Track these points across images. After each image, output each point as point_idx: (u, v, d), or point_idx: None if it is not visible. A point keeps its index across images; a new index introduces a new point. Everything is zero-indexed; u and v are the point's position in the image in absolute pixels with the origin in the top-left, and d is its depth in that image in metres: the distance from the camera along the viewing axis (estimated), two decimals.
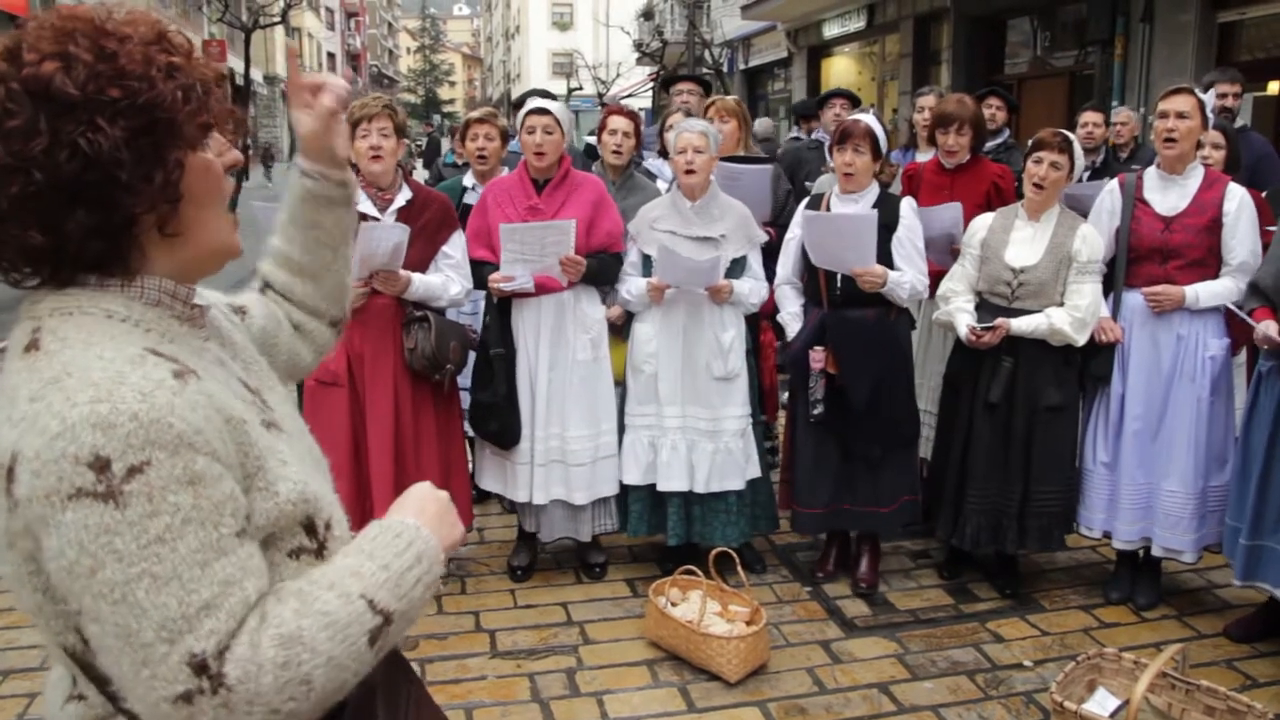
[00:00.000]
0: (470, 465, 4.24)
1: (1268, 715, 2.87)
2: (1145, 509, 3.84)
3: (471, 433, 4.56)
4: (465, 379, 4.36)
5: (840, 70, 18.16)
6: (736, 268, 3.99)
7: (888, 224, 3.80)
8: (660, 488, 4.00)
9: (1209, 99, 3.73)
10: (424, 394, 3.86)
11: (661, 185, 4.99)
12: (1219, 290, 3.69)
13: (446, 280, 3.85)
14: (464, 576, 4.17)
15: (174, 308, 1.17)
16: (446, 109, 61.06)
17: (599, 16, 37.80)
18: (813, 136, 6.98)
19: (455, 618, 3.81)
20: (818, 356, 3.85)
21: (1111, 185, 3.96)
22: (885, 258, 3.79)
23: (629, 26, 30.99)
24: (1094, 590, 4.08)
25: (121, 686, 1.05)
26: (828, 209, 3.95)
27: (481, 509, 4.57)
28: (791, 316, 4.02)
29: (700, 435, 3.98)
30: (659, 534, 4.15)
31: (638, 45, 28.21)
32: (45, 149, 1.03)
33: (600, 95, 32.93)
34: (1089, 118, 6.46)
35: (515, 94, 50.64)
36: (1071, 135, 3.85)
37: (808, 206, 4.02)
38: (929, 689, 3.36)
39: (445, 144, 8.87)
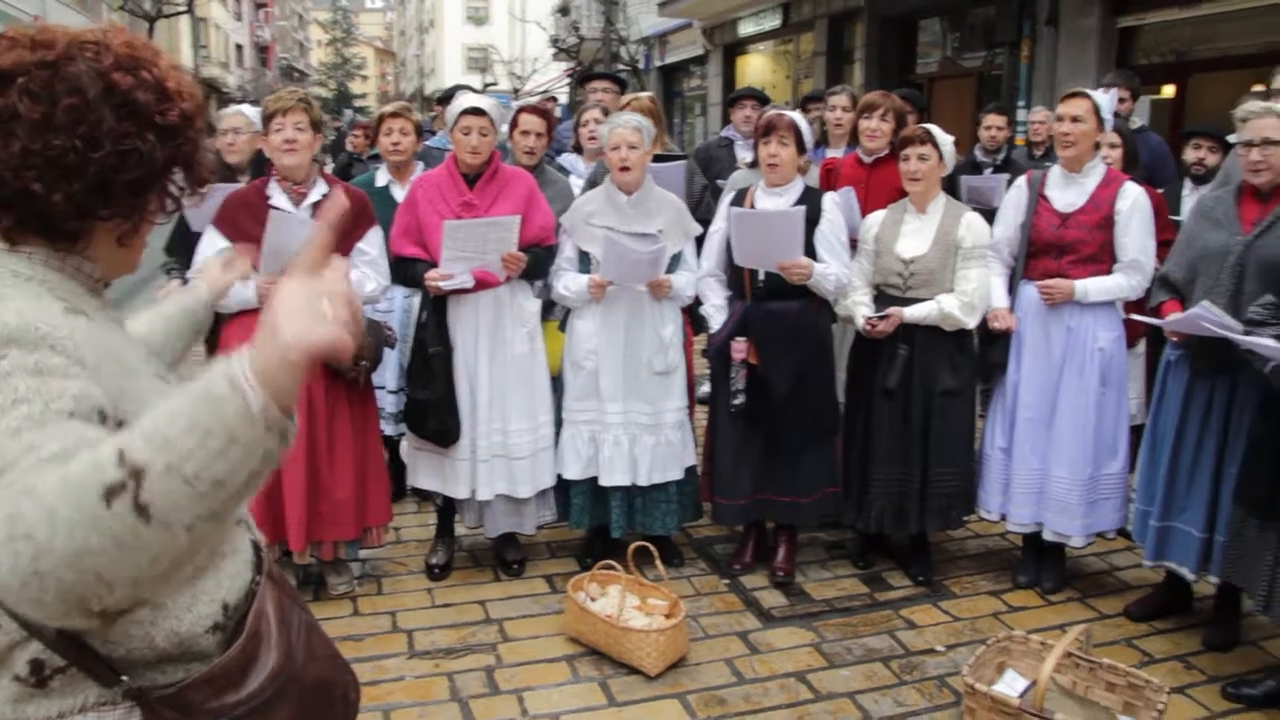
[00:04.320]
0: (388, 463, 4.19)
1: (1164, 689, 3.00)
2: (1037, 494, 3.98)
3: (389, 431, 4.51)
4: (380, 378, 4.31)
5: (755, 68, 18.33)
6: (673, 262, 4.02)
7: (811, 217, 3.87)
8: (603, 483, 4.02)
9: (1110, 101, 3.86)
10: (338, 392, 3.79)
11: (575, 181, 5.00)
12: (1109, 285, 3.82)
13: (362, 277, 3.79)
14: (380, 576, 4.12)
15: (86, 284, 1.31)
16: (359, 103, 60.00)
17: (515, 11, 37.56)
18: (722, 135, 7.04)
19: (371, 618, 3.76)
20: (740, 347, 3.90)
21: (1021, 181, 4.09)
22: (809, 251, 3.85)
23: (545, 22, 30.86)
24: (1002, 575, 4.20)
25: None
26: (752, 203, 3.99)
27: (397, 508, 4.51)
28: (715, 309, 4.05)
29: (642, 429, 4.00)
30: (601, 525, 4.15)
31: (554, 41, 28.13)
32: (102, 130, 1.19)
33: (516, 91, 32.75)
34: (992, 120, 6.65)
35: (429, 89, 49.85)
36: (932, 127, 3.98)
37: (733, 203, 4.06)
38: (845, 676, 3.42)
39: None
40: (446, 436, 3.92)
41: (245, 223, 3.63)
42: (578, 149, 5.62)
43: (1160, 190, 4.55)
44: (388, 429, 4.54)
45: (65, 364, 1.11)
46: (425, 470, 4.07)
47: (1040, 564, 4.14)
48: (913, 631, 3.75)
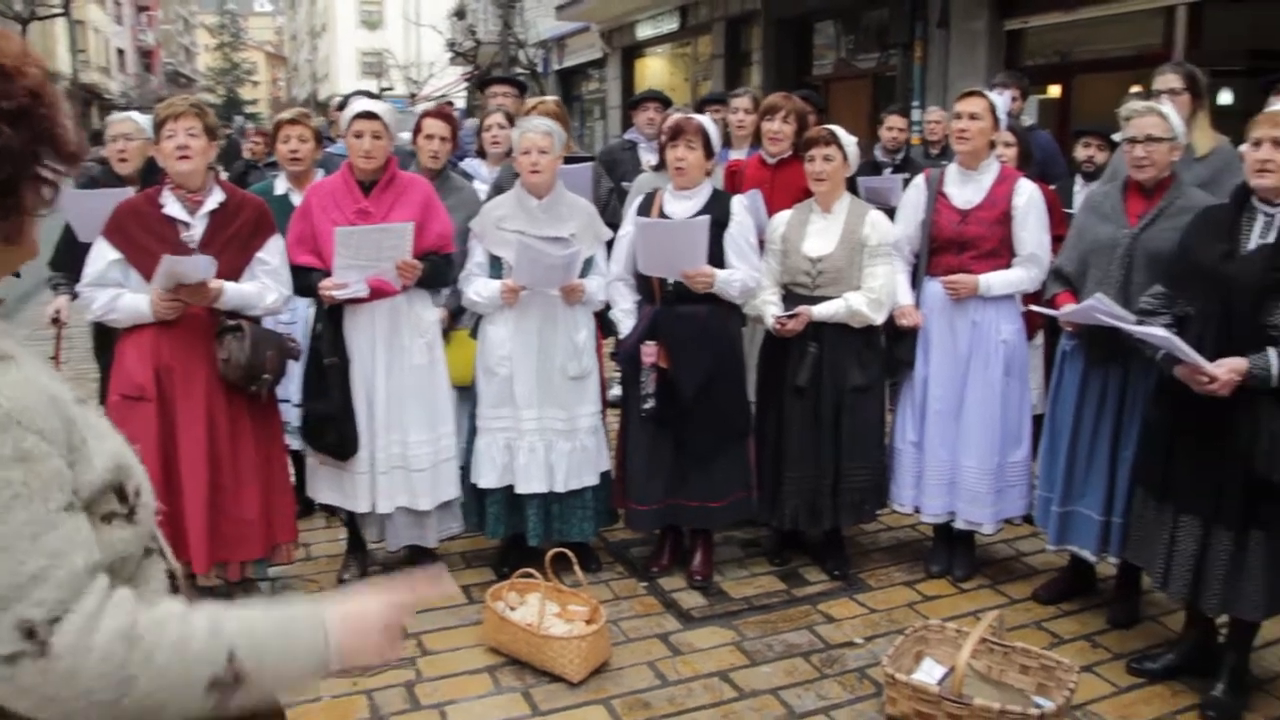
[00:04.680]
0: (293, 479, 4.08)
1: (1074, 668, 3.10)
2: (949, 485, 4.07)
3: (294, 445, 4.39)
4: (285, 391, 4.19)
5: (654, 71, 18.43)
6: (585, 266, 3.99)
7: (720, 221, 3.88)
8: (520, 490, 3.97)
9: (1004, 100, 3.97)
10: (240, 407, 3.67)
11: (479, 186, 4.95)
12: (1010, 278, 3.93)
13: (262, 288, 3.68)
14: (292, 595, 4.01)
15: None
16: (249, 109, 58.52)
17: (410, 15, 37.05)
18: (626, 137, 7.05)
19: None
20: (650, 351, 3.89)
21: (919, 180, 4.18)
22: (719, 255, 3.86)
23: (441, 26, 30.52)
24: (915, 566, 4.28)
25: None
26: (660, 207, 3.99)
27: (306, 523, 4.40)
28: (624, 314, 4.04)
29: (557, 435, 3.97)
30: (518, 533, 4.10)
31: (451, 45, 27.83)
32: None
33: (412, 96, 32.32)
34: (894, 122, 6.80)
35: (323, 94, 48.89)
36: (836, 129, 4.05)
37: (641, 207, 4.05)
38: (767, 673, 3.45)
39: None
40: (344, 449, 3.84)
41: (137, 233, 3.50)
42: (481, 154, 5.56)
43: (1052, 187, 4.69)
44: (293, 443, 4.42)
45: (36, 441, 1.09)
46: (325, 484, 3.98)
47: (951, 553, 4.24)
48: (831, 625, 3.79)
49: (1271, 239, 2.97)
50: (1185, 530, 3.14)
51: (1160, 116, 3.46)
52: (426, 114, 4.88)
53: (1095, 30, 9.28)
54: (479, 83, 7.12)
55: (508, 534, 4.11)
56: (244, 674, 1.14)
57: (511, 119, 5.39)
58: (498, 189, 4.61)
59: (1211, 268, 3.03)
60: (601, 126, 20.09)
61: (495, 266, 3.99)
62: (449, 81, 30.64)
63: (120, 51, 46.78)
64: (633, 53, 18.77)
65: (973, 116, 3.90)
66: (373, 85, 33.22)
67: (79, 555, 1.09)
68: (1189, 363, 2.96)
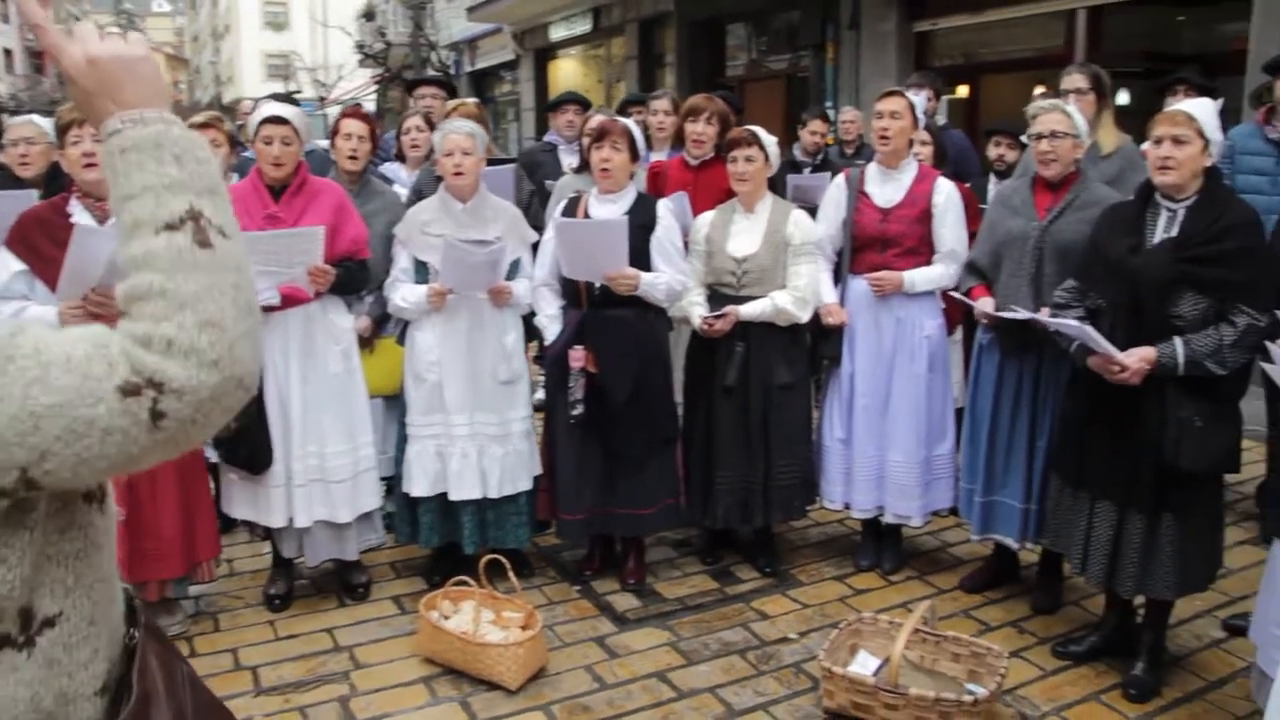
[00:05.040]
0: (214, 494, 3.97)
1: (1004, 654, 3.18)
2: (877, 480, 4.14)
3: (213, 459, 4.27)
4: None
5: (567, 72, 18.39)
6: (512, 269, 3.96)
7: (646, 224, 3.88)
8: (453, 497, 3.91)
9: (921, 100, 4.05)
10: None
11: (400, 190, 4.88)
12: (932, 275, 4.02)
13: None
14: (216, 613, 3.90)
15: None
16: None
17: (316, 16, 36.36)
18: (545, 140, 7.02)
19: (211, 658, 3.55)
20: (577, 356, 3.87)
21: (839, 179, 4.24)
22: (645, 257, 3.87)
23: (350, 27, 30.01)
24: (845, 560, 4.34)
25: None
26: (586, 210, 3.98)
27: (228, 539, 4.28)
28: (549, 319, 4.01)
29: (490, 440, 3.92)
30: (449, 541, 4.05)
31: (360, 47, 27.39)
32: None
33: (321, 99, 31.73)
34: (815, 126, 6.90)
35: (227, 97, 47.68)
36: (757, 129, 4.09)
37: (565, 211, 4.04)
38: (705, 672, 3.46)
39: None
40: (258, 463, 3.74)
41: (41, 243, 3.36)
42: (400, 158, 5.49)
43: (967, 184, 4.81)
44: (213, 456, 4.30)
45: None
46: (241, 499, 3.87)
47: (879, 546, 4.31)
48: (765, 622, 3.83)
49: (1174, 233, 3.08)
50: (1101, 516, 3.24)
51: (1064, 114, 3.58)
52: (344, 114, 4.81)
53: (1000, 32, 9.54)
54: (407, 86, 7.00)
55: (442, 543, 4.05)
56: (184, 211, 1.09)
57: (430, 122, 5.34)
58: (418, 193, 4.56)
59: (1119, 262, 3.14)
60: (515, 129, 19.98)
61: (421, 272, 3.94)
62: (359, 84, 30.14)
63: (7, 52, 44.97)
64: (546, 54, 18.71)
65: (893, 115, 3.97)
66: (279, 88, 32.57)
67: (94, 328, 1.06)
68: (1102, 353, 3.05)
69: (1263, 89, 5.04)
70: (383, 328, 4.41)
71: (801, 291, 4.00)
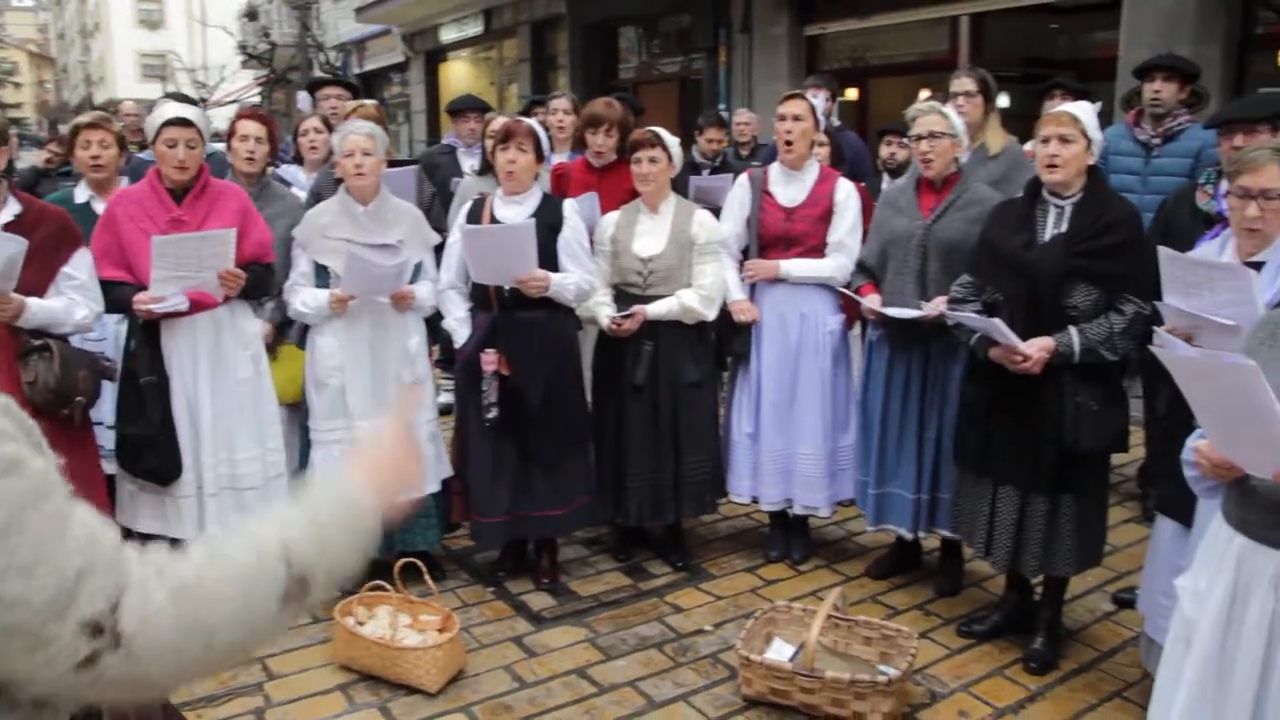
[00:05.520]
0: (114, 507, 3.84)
1: (913, 636, 3.30)
2: (785, 473, 4.24)
3: (110, 470, 4.13)
4: (98, 413, 3.94)
5: (459, 75, 18.23)
6: (414, 272, 3.93)
7: (553, 225, 3.90)
8: None
9: (821, 103, 4.16)
10: (52, 432, 3.37)
11: (298, 193, 4.80)
12: (814, 265, 4.11)
13: (70, 304, 3.45)
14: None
15: None
16: (12, 113, 54.12)
17: (194, 15, 35.22)
18: (444, 142, 6.98)
19: None
20: (490, 359, 3.86)
21: (743, 179, 4.32)
22: (552, 258, 3.88)
23: (231, 27, 29.16)
24: (755, 552, 4.43)
25: (18, 680, 1.00)
26: (491, 212, 3.97)
27: None
28: (458, 323, 3.99)
29: None
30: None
31: (243, 47, 26.64)
32: None
33: (203, 100, 30.74)
34: (712, 134, 6.98)
35: (99, 98, 45.75)
36: (660, 131, 4.15)
37: (470, 214, 4.02)
38: (623, 666, 3.50)
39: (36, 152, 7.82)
40: (167, 473, 3.64)
41: None
42: (298, 160, 5.39)
43: (863, 184, 4.95)
44: (109, 468, 4.16)
45: (15, 447, 1.03)
46: (145, 511, 3.74)
47: (788, 538, 4.41)
48: (680, 615, 3.88)
49: (1064, 229, 3.25)
50: (1005, 501, 3.39)
51: (941, 115, 3.74)
52: (240, 115, 4.70)
53: (888, 37, 9.84)
54: (309, 86, 6.86)
55: None
56: (307, 574, 1.12)
57: (329, 123, 5.26)
58: (317, 195, 4.49)
59: (1015, 257, 3.29)
60: (406, 131, 19.70)
61: (321, 275, 3.88)
62: (242, 85, 29.31)
63: None
64: (436, 56, 18.51)
65: (796, 118, 4.07)
66: (156, 90, 31.44)
67: (106, 534, 1.04)
68: (1006, 345, 3.19)
69: (1132, 93, 5.31)
70: (284, 333, 4.32)
71: (707, 290, 4.07)
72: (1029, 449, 3.27)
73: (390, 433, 1.30)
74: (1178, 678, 2.22)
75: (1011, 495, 3.37)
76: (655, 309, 4.02)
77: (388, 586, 3.48)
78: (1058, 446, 3.21)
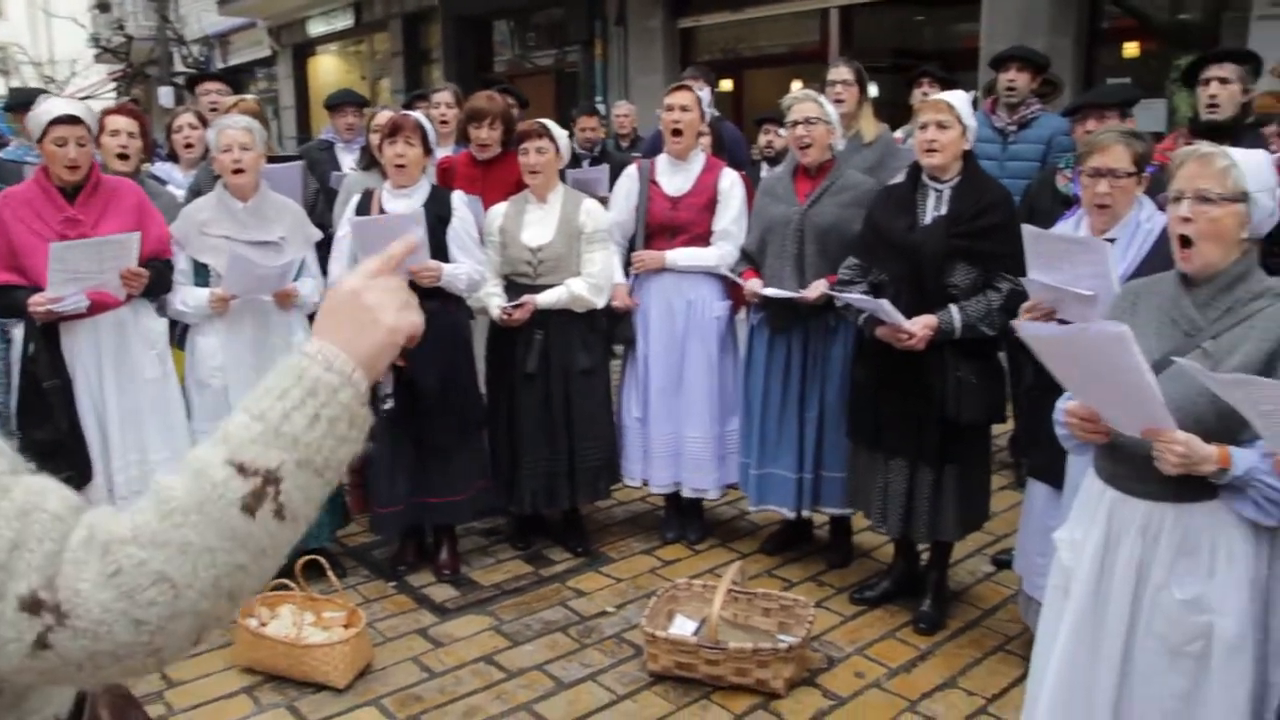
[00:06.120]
0: None
1: (809, 605, 3.44)
2: (674, 456, 4.34)
3: None
4: None
5: (329, 69, 17.82)
6: (297, 268, 3.87)
7: (442, 216, 3.90)
8: None
9: (706, 94, 4.27)
10: None
11: (174, 191, 4.68)
12: (700, 254, 4.22)
13: None
14: None
15: None
16: None
17: (38, 4, 33.43)
18: (321, 138, 6.86)
19: None
20: None
21: (630, 170, 4.40)
22: (443, 249, 3.89)
23: (82, 18, 27.80)
24: (652, 535, 4.53)
25: None
26: (380, 206, 3.96)
27: None
28: None
29: None
30: None
31: (95, 40, 25.44)
32: None
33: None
34: (585, 123, 7.05)
35: None
36: (548, 122, 4.22)
37: (358, 208, 4.00)
38: (530, 651, 3.55)
39: None
40: (76, 477, 3.53)
41: None
42: (172, 157, 5.25)
43: (742, 172, 5.09)
44: None
45: None
46: None
47: (683, 519, 4.52)
48: (583, 599, 3.95)
49: (944, 211, 3.42)
50: (895, 473, 3.56)
51: (816, 103, 3.89)
52: (110, 111, 4.57)
53: (760, 29, 10.07)
54: (189, 81, 6.65)
55: None
56: (272, 468, 0.95)
57: (203, 119, 5.13)
58: (195, 192, 4.39)
59: (898, 239, 3.45)
60: (275, 127, 19.17)
61: (201, 273, 3.81)
62: (95, 80, 28.00)
63: None
64: (305, 50, 18.06)
65: (684, 109, 4.16)
66: None
67: (49, 501, 0.95)
68: (892, 324, 3.35)
69: (992, 82, 5.59)
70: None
71: (596, 278, 4.13)
72: (915, 423, 3.44)
73: (358, 277, 1.08)
74: (1058, 621, 2.39)
75: (901, 467, 3.54)
76: (545, 298, 4.07)
77: (290, 584, 3.44)
78: (941, 419, 3.39)
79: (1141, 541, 2.21)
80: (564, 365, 4.15)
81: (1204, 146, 2.26)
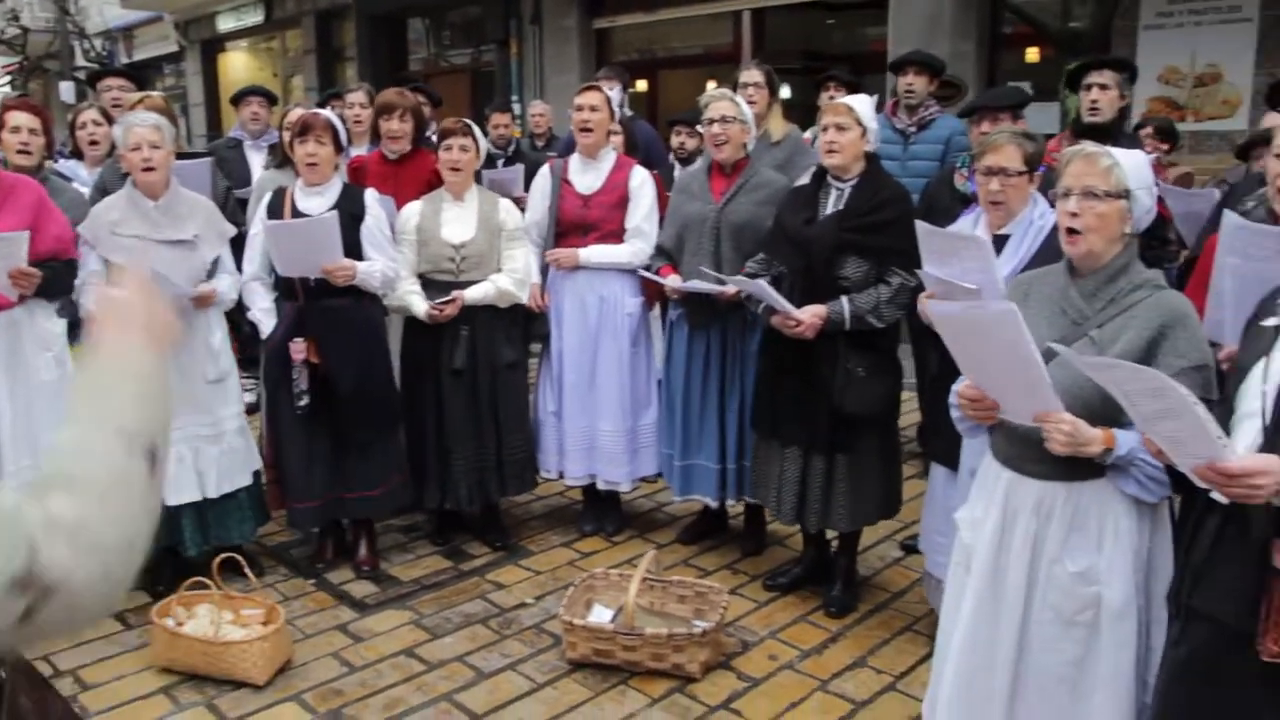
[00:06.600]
0: None
1: (723, 591, 3.55)
2: (588, 449, 4.41)
3: None
4: None
5: (239, 66, 17.48)
6: (212, 266, 3.85)
7: (356, 214, 3.92)
8: (170, 502, 3.75)
9: (617, 94, 4.35)
10: None
11: (79, 189, 4.60)
12: (612, 251, 4.30)
13: None
14: None
15: None
16: None
17: None
18: (230, 136, 6.78)
19: None
20: (299, 348, 3.86)
21: (544, 169, 4.47)
22: (356, 247, 3.91)
23: None
24: (570, 528, 4.60)
25: None
26: (292, 204, 3.95)
27: None
28: (264, 313, 3.96)
29: (204, 441, 3.82)
30: (167, 548, 3.89)
31: None
32: None
33: None
34: (498, 120, 7.07)
35: None
36: (469, 122, 4.26)
37: (270, 207, 3.99)
38: (450, 643, 3.59)
39: None
40: None
41: None
42: (76, 154, 5.15)
43: (656, 172, 5.18)
44: None
45: None
46: None
47: (600, 512, 4.60)
48: (502, 591, 4.00)
49: (841, 207, 3.56)
50: (790, 461, 3.68)
51: (731, 101, 4.00)
52: (8, 106, 4.46)
53: (674, 30, 10.20)
54: (90, 79, 6.49)
55: (161, 548, 3.90)
56: (153, 445, 1.13)
57: (108, 115, 5.05)
58: (102, 190, 4.34)
59: (795, 232, 3.58)
60: (184, 125, 18.73)
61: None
62: None
63: None
64: (214, 46, 17.68)
65: (593, 109, 4.24)
66: None
67: (4, 496, 1.02)
68: (780, 310, 3.47)
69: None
70: (76, 333, 4.15)
71: (520, 273, 4.20)
72: (808, 412, 3.57)
73: (122, 287, 1.25)
74: (960, 597, 2.53)
75: (795, 456, 3.67)
76: (473, 293, 4.11)
77: (208, 583, 3.43)
78: (831, 410, 3.51)
79: (1036, 519, 2.36)
80: (490, 360, 4.20)
81: (1089, 146, 2.40)
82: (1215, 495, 1.91)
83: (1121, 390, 1.91)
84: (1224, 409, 2.01)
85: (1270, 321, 1.98)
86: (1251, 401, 1.95)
